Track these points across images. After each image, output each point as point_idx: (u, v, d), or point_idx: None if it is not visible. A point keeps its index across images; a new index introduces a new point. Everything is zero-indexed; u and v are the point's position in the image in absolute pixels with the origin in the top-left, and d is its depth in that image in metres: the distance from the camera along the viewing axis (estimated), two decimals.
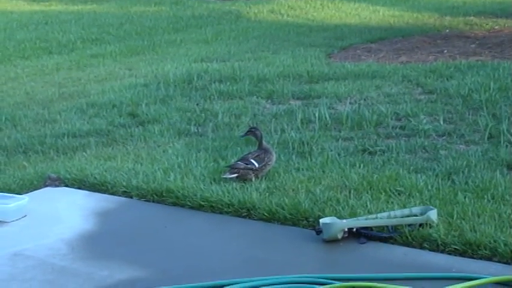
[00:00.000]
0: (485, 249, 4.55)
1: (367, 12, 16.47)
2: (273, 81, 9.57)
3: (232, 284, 4.34)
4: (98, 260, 4.89)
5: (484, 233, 4.68)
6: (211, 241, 5.13)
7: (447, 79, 9.14)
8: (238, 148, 6.82)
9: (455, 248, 4.64)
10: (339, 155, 6.50)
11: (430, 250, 4.70)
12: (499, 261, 4.48)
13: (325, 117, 7.65)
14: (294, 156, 6.54)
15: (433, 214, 4.92)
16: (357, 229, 4.93)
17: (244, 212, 5.48)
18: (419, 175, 5.84)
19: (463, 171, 5.86)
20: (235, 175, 5.97)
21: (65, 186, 6.34)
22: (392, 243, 4.84)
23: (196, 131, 7.71)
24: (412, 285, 4.20)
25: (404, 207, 5.18)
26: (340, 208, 5.25)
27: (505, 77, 8.85)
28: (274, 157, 6.16)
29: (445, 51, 11.56)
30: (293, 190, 5.70)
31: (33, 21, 18.31)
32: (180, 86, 9.69)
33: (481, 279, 4.19)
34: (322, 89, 9.04)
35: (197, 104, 8.78)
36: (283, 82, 9.51)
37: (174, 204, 5.79)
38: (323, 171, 6.08)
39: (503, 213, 4.98)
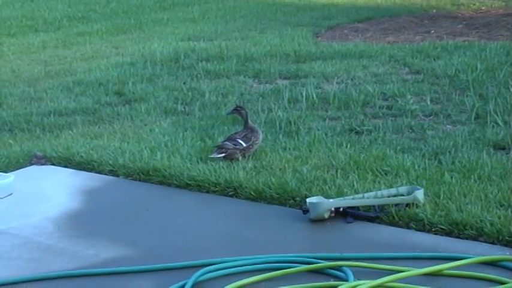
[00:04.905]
0: (472, 229, 4.56)
1: None
2: (260, 61, 9.56)
3: (218, 263, 4.34)
4: (84, 239, 4.88)
5: (471, 213, 4.68)
6: (198, 220, 5.12)
7: (434, 59, 9.15)
8: (225, 127, 6.80)
9: (441, 228, 4.64)
10: (326, 134, 6.49)
11: (416, 230, 4.71)
12: (485, 241, 4.49)
13: (312, 97, 7.64)
14: (281, 136, 6.54)
15: (419, 194, 4.92)
16: (343, 208, 4.93)
17: (231, 191, 5.47)
18: (406, 155, 5.85)
19: (449, 152, 5.87)
20: (223, 155, 5.96)
21: (51, 164, 6.32)
22: (379, 223, 4.85)
23: (183, 110, 7.69)
24: (398, 264, 4.21)
25: (391, 187, 5.18)
26: (327, 188, 5.25)
27: (492, 58, 8.86)
28: (260, 136, 6.15)
29: (432, 31, 11.56)
30: (280, 169, 5.69)
31: None
32: (167, 65, 9.66)
33: (468, 259, 4.20)
34: (309, 68, 9.03)
35: (184, 83, 8.75)
36: (270, 61, 9.50)
37: (161, 183, 5.78)
38: (310, 151, 6.07)
39: (489, 194, 4.99)
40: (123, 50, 11.25)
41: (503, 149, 5.99)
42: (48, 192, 5.73)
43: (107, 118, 7.51)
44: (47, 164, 6.32)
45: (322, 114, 7.20)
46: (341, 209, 4.93)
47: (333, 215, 4.92)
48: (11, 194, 5.68)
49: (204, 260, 4.39)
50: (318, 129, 6.65)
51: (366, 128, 6.64)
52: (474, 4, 14.08)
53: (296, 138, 6.42)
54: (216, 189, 5.53)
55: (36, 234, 4.98)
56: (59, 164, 6.31)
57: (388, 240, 4.61)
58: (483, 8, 13.75)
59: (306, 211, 4.95)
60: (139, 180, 5.88)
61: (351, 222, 4.87)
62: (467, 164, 5.55)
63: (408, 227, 4.75)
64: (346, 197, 5.04)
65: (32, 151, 6.47)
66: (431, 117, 6.95)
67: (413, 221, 4.76)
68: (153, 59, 9.95)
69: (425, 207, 4.84)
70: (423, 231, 4.69)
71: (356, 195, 5.05)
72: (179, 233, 4.92)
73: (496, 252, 4.32)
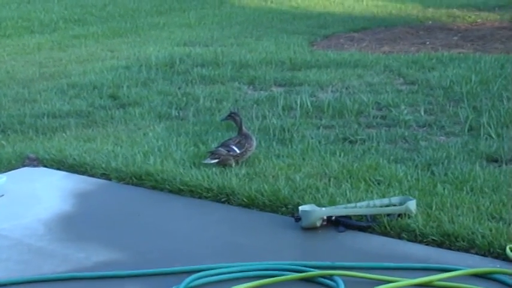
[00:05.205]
0: (463, 241, 4.56)
1: (350, 1, 16.45)
2: (255, 68, 9.56)
3: (209, 269, 4.33)
4: (74, 242, 4.87)
5: (462, 225, 4.69)
6: (190, 225, 5.12)
7: (429, 70, 9.15)
8: (219, 133, 6.80)
9: (433, 239, 4.64)
10: (319, 142, 6.49)
11: (408, 240, 4.71)
12: (476, 253, 4.49)
13: (307, 105, 7.64)
14: (274, 143, 6.53)
15: (412, 205, 4.92)
16: (335, 217, 4.92)
17: (224, 197, 5.47)
18: (399, 165, 5.85)
19: (442, 163, 5.87)
20: (216, 161, 5.95)
21: (43, 166, 6.31)
22: (371, 233, 4.85)
23: (177, 114, 7.68)
24: (389, 274, 4.21)
25: (384, 196, 5.18)
26: (320, 196, 5.25)
27: (486, 70, 8.87)
28: (254, 143, 6.14)
29: (428, 42, 11.58)
30: (273, 177, 5.69)
31: None
32: (162, 70, 9.65)
33: (458, 271, 4.20)
34: (304, 76, 9.03)
35: (179, 88, 8.75)
36: (265, 68, 9.49)
37: (153, 187, 5.77)
38: (303, 159, 6.07)
39: (481, 206, 4.99)
40: (119, 53, 11.24)
41: (496, 161, 6.00)
42: (40, 194, 5.72)
43: (101, 121, 7.50)
44: (39, 166, 6.31)
45: (316, 122, 7.20)
46: (333, 218, 4.93)
47: (324, 223, 4.92)
48: (2, 195, 5.67)
49: (195, 266, 4.38)
50: (312, 138, 6.65)
51: (359, 137, 6.64)
52: (470, 17, 14.10)
53: (290, 146, 6.42)
54: (209, 195, 5.52)
55: (27, 236, 4.96)
56: (51, 166, 6.29)
57: (379, 250, 4.61)
58: (478, 20, 13.77)
59: (298, 219, 4.94)
60: (132, 184, 5.88)
61: (342, 231, 4.87)
62: (459, 175, 5.55)
63: (400, 238, 4.75)
64: (338, 206, 5.03)
65: (25, 153, 6.45)
66: (424, 128, 6.95)
67: (405, 232, 4.76)
68: (148, 63, 9.94)
69: (417, 218, 4.84)
70: (415, 241, 4.69)
71: (348, 204, 5.05)
72: (170, 238, 4.91)
73: (487, 265, 4.33)
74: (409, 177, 5.56)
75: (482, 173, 5.59)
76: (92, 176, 6.07)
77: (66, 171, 6.20)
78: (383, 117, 7.29)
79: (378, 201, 5.05)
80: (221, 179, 5.64)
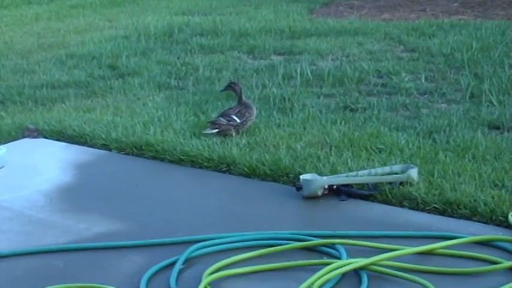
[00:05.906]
0: (465, 209, 4.55)
1: None
2: (255, 36, 9.51)
3: (211, 239, 4.32)
4: (75, 213, 4.85)
5: (464, 193, 4.67)
6: (191, 195, 5.10)
7: (429, 37, 9.11)
8: (219, 103, 6.77)
9: (435, 207, 4.63)
10: (320, 111, 6.46)
11: (409, 208, 4.69)
12: (478, 221, 4.48)
13: (307, 74, 7.60)
14: (275, 112, 6.51)
15: (413, 172, 4.90)
16: (337, 186, 4.91)
17: (224, 167, 5.45)
18: (400, 133, 5.83)
19: (444, 130, 5.85)
20: (216, 130, 5.93)
21: (43, 137, 6.29)
22: (373, 201, 4.83)
23: (176, 84, 7.65)
24: (391, 243, 4.19)
25: (385, 165, 5.16)
26: (321, 165, 5.23)
27: (487, 37, 8.83)
28: (254, 112, 6.12)
29: (428, 9, 11.52)
30: (274, 146, 5.67)
31: None
32: (160, 39, 9.61)
33: (460, 239, 4.19)
34: (304, 45, 8.98)
35: (178, 58, 8.71)
36: (264, 37, 9.45)
37: (154, 157, 5.75)
38: (304, 128, 6.05)
39: (483, 173, 4.97)
40: (117, 23, 11.19)
41: (498, 128, 5.97)
42: (40, 166, 5.70)
43: (100, 92, 7.48)
44: (39, 137, 6.29)
45: (316, 91, 7.17)
46: (334, 187, 4.91)
47: (326, 192, 4.90)
48: (2, 167, 5.66)
49: (197, 236, 4.37)
50: (312, 106, 6.62)
51: (360, 105, 6.62)
52: None
53: (290, 115, 6.39)
54: (210, 165, 5.50)
55: (28, 207, 4.95)
56: (51, 137, 6.28)
57: (381, 218, 4.60)
58: None
59: (299, 188, 4.92)
60: (132, 155, 5.86)
61: (344, 200, 4.85)
62: (461, 143, 5.53)
63: (402, 206, 4.74)
64: (339, 175, 5.02)
65: (24, 124, 6.43)
66: (426, 96, 6.92)
67: (407, 200, 4.74)
68: (147, 33, 9.90)
69: (419, 185, 4.82)
70: (416, 209, 4.67)
71: (350, 173, 5.03)
72: (172, 209, 4.89)
73: (489, 232, 4.31)
74: (410, 145, 5.54)
75: (484, 140, 5.57)
76: (92, 146, 6.05)
77: (66, 142, 6.18)
78: (384, 85, 7.26)
79: (379, 170, 5.03)
80: (222, 148, 5.62)
